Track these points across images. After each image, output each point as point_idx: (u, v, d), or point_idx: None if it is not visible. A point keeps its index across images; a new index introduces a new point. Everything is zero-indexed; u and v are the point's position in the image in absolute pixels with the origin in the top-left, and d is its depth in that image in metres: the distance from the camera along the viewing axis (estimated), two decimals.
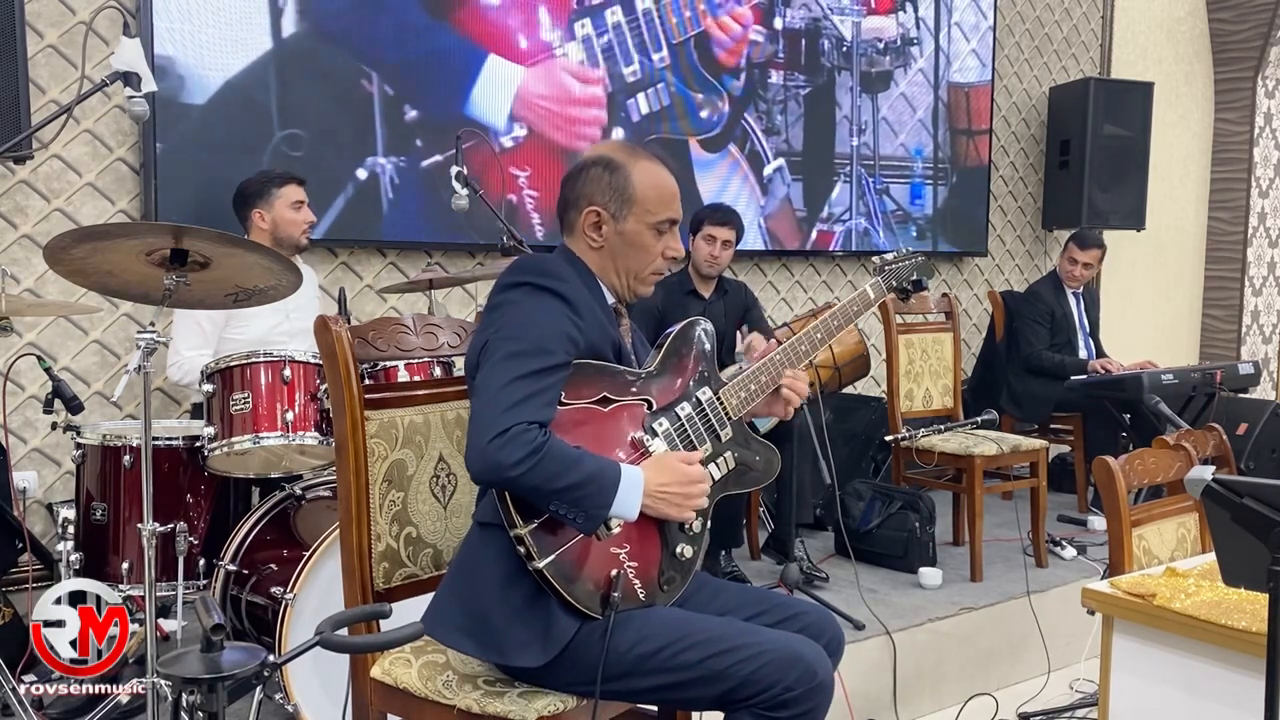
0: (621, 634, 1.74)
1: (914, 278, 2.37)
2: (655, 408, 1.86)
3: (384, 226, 4.06)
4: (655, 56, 4.63)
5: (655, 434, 1.84)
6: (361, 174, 4.00)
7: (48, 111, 3.26)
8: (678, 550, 1.85)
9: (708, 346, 1.99)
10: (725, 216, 3.86)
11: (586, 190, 1.87)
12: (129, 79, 2.50)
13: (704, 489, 1.81)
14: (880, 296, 2.28)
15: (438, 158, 4.10)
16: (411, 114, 4.07)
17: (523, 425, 1.63)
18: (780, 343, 3.84)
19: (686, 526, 1.86)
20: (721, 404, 1.94)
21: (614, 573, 1.76)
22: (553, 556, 1.70)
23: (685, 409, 1.89)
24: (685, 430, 1.88)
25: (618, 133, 4.54)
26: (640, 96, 4.60)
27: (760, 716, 1.72)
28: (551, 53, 4.35)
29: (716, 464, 1.92)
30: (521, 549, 1.69)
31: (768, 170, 5.04)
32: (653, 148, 1.99)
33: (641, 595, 1.80)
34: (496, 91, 4.23)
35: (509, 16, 4.24)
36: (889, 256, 2.37)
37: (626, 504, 1.71)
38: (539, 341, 1.72)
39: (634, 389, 1.85)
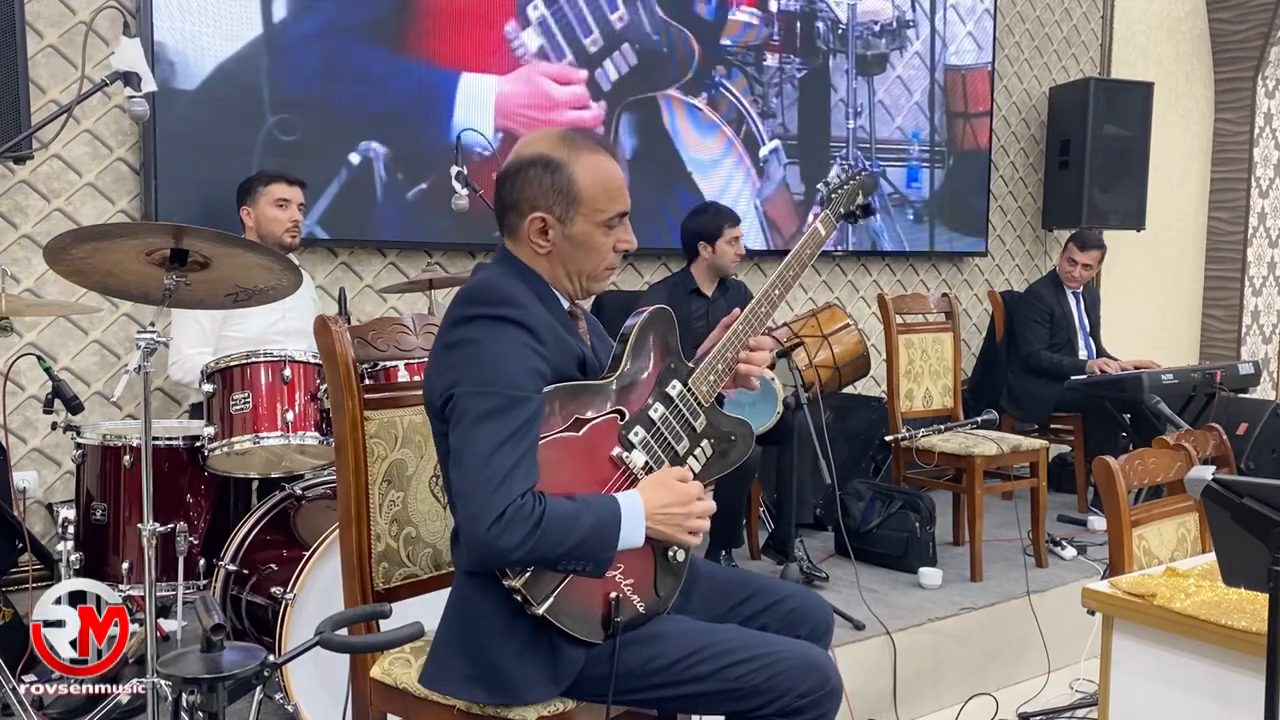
0: (634, 650, 1.72)
1: (860, 201, 2.20)
2: (628, 416, 1.78)
3: (378, 213, 4.06)
4: (613, 17, 4.55)
5: (632, 445, 1.77)
6: (354, 158, 4.00)
7: (48, 111, 3.26)
8: (670, 555, 1.82)
9: (670, 335, 1.88)
10: (737, 216, 3.96)
11: (527, 194, 1.74)
12: (129, 79, 2.50)
13: (705, 507, 1.76)
14: (831, 229, 2.12)
15: (422, 186, 4.11)
16: (397, 155, 4.07)
17: (516, 503, 1.56)
18: (779, 342, 3.84)
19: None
20: (692, 394, 1.87)
21: (613, 596, 1.73)
22: (550, 600, 1.66)
23: (658, 410, 1.82)
24: (661, 433, 1.82)
25: (599, 107, 4.51)
26: (607, 63, 4.55)
27: None
28: (510, 47, 4.29)
29: (694, 456, 1.87)
30: (518, 598, 1.65)
31: (763, 152, 5.03)
32: (591, 133, 1.88)
33: (641, 608, 1.78)
34: (477, 109, 4.22)
35: (463, 26, 4.18)
36: (832, 180, 2.19)
37: (631, 537, 1.67)
38: (510, 390, 1.62)
39: (603, 402, 1.77)
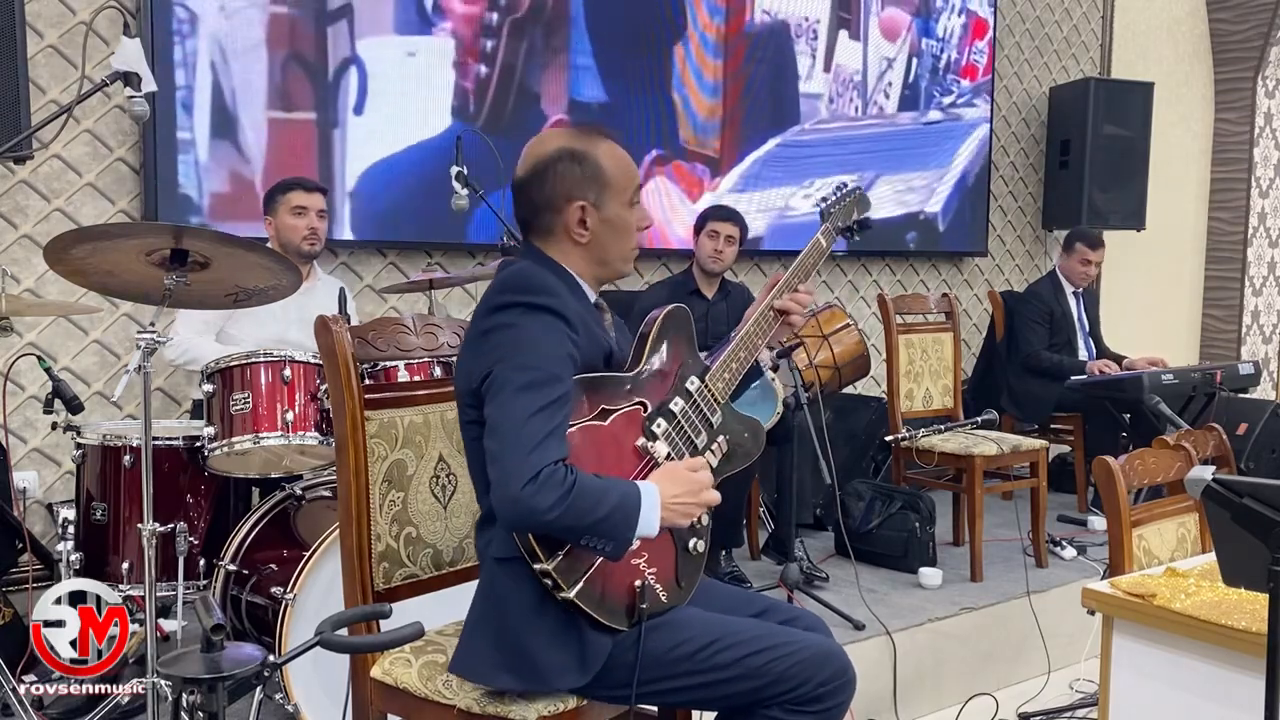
0: (658, 638, 1.75)
1: (857, 216, 2.27)
2: (650, 409, 1.84)
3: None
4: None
5: (655, 436, 1.81)
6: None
7: (48, 111, 3.26)
8: (690, 546, 1.87)
9: (688, 332, 1.95)
10: (729, 213, 3.88)
11: (562, 188, 1.81)
12: (129, 79, 2.49)
13: (713, 495, 1.80)
14: (831, 241, 2.22)
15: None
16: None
17: (550, 466, 1.61)
18: (781, 343, 3.84)
19: (696, 521, 1.86)
20: (709, 390, 1.92)
21: (638, 584, 1.76)
22: (580, 584, 1.69)
23: (679, 404, 1.86)
24: (682, 426, 1.86)
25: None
26: None
27: (791, 712, 1.76)
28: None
29: (712, 451, 1.91)
30: (548, 582, 1.68)
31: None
32: (591, 123, 1.94)
33: (664, 598, 1.81)
34: None
35: None
36: (830, 197, 2.27)
37: (648, 523, 1.70)
38: (548, 368, 1.68)
39: (628, 394, 1.82)
